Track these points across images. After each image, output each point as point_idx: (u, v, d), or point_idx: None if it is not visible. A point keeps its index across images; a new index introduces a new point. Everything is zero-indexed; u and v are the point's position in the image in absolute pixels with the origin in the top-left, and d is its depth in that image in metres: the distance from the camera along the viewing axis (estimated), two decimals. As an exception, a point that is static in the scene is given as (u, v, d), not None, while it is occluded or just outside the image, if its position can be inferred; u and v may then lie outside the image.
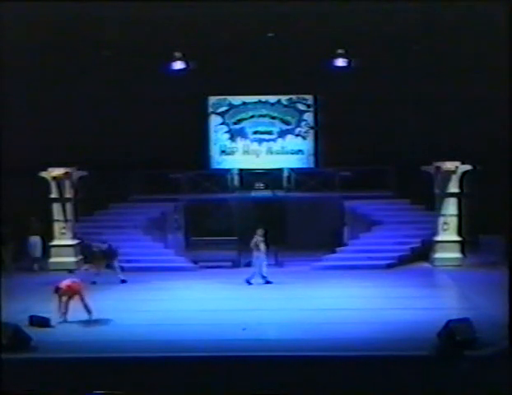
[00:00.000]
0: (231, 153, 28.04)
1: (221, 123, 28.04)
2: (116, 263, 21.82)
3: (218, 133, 28.06)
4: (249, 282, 21.35)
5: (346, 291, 20.43)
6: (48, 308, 17.51)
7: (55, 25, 22.82)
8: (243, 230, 24.18)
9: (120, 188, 25.85)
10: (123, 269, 22.04)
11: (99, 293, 20.57)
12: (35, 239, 24.10)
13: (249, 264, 22.73)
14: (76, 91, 25.79)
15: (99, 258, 21.89)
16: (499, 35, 17.39)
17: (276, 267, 23.62)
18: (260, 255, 21.43)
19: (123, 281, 21.63)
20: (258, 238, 21.47)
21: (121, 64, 25.28)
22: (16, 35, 22.07)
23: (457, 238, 24.10)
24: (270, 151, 27.97)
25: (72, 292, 17.24)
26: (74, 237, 24.45)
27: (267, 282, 21.36)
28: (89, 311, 17.22)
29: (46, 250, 24.24)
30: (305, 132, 27.92)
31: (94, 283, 20.92)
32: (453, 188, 24.15)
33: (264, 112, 27.95)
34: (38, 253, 24.15)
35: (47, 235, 24.28)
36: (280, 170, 27.25)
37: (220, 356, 14.41)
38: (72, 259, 24.01)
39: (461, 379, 13.05)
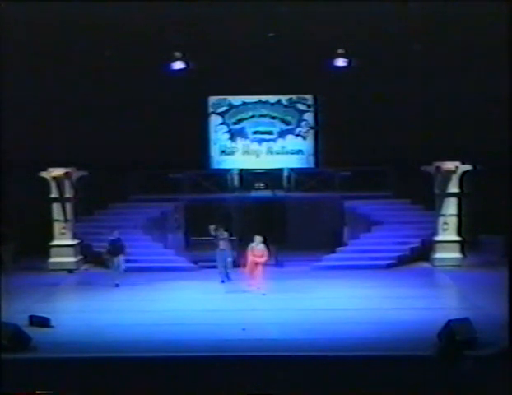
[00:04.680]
0: (231, 153, 28.02)
1: (221, 123, 28.02)
2: (121, 258, 21.38)
3: (218, 133, 28.04)
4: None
5: (346, 291, 20.43)
6: (49, 308, 17.49)
7: (55, 25, 22.78)
8: (243, 230, 24.14)
9: (120, 188, 25.84)
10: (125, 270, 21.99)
11: (98, 293, 20.60)
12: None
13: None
14: (76, 91, 25.81)
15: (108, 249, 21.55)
16: (499, 35, 17.39)
17: (277, 267, 23.62)
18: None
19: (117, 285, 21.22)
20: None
21: (121, 64, 25.27)
22: (17, 35, 22.04)
23: (457, 238, 24.10)
24: (270, 151, 27.95)
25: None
26: (74, 237, 24.47)
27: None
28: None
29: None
30: (305, 132, 27.91)
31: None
32: (453, 188, 24.16)
33: (264, 112, 27.94)
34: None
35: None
36: (280, 170, 27.24)
37: (220, 356, 14.40)
38: (72, 259, 24.07)
39: (461, 379, 13.05)
